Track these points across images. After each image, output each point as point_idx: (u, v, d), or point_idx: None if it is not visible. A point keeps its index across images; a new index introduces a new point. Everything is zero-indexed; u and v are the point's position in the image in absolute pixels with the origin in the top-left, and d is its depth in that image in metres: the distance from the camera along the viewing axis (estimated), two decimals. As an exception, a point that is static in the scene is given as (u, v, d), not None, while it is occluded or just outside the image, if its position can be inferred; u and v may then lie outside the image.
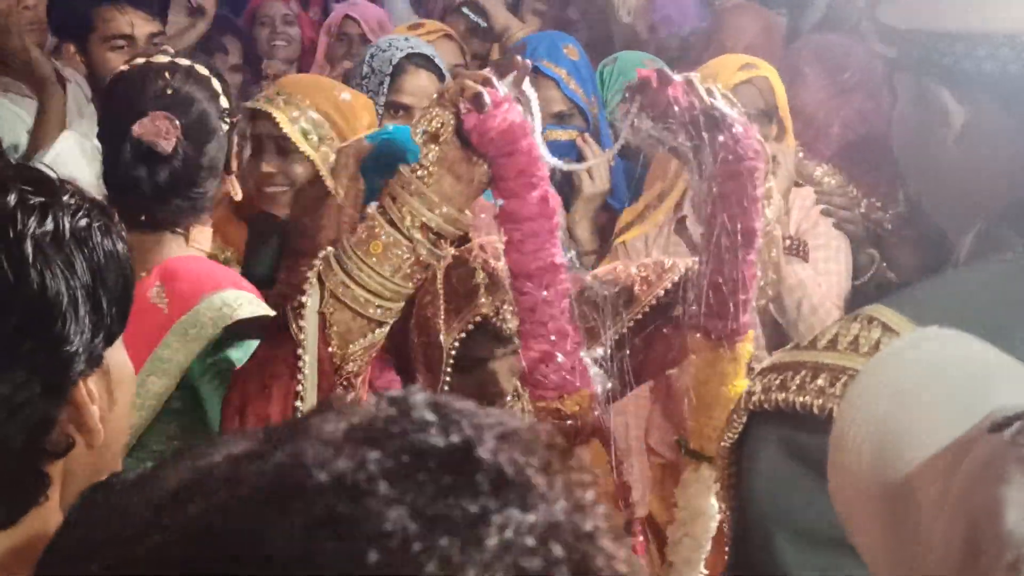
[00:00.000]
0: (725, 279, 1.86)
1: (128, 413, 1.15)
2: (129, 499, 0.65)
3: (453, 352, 1.99)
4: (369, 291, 1.74)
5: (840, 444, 0.92)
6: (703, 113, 1.78)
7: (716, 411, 1.95)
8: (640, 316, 2.01)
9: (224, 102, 2.20)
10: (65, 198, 1.06)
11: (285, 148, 2.62)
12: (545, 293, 1.75)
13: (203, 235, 2.23)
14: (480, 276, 1.99)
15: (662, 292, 2.01)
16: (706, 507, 2.02)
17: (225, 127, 2.19)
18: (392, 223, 1.73)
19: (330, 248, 1.80)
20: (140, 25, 3.23)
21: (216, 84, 2.21)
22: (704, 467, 2.00)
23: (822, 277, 2.92)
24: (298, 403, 1.73)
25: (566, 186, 3.01)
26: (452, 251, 1.96)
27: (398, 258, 1.73)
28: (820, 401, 1.16)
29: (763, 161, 1.84)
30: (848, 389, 0.95)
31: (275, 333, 1.80)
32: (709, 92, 1.81)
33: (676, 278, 2.00)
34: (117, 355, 1.10)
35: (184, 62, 2.21)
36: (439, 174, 1.72)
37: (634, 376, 1.95)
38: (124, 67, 2.24)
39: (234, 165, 2.24)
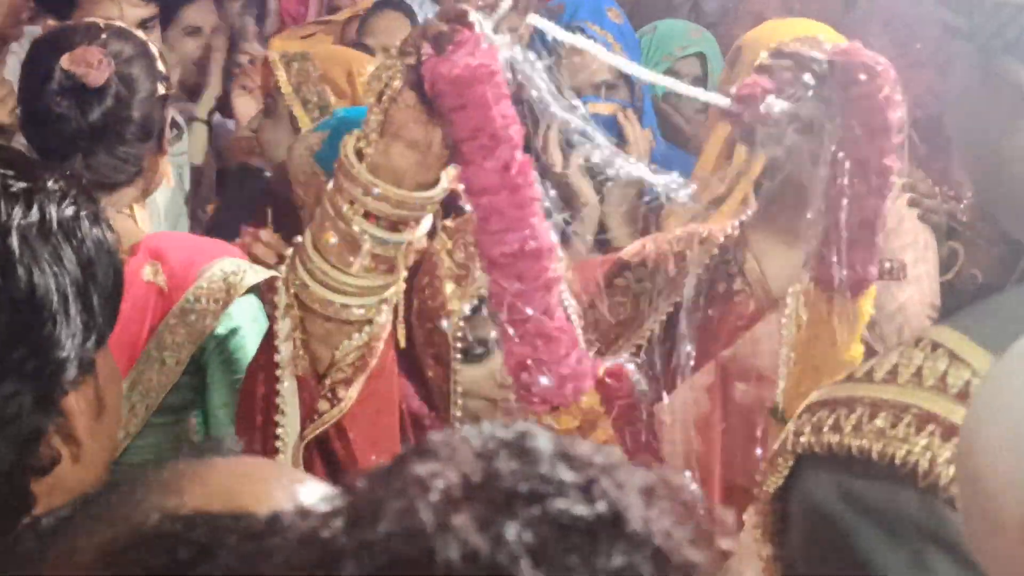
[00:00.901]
0: (852, 222, 1.60)
1: (117, 421, 1.08)
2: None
3: (459, 336, 1.74)
4: (332, 290, 1.48)
5: (978, 488, 0.81)
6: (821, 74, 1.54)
7: (823, 376, 1.63)
8: (680, 297, 1.71)
9: (161, 66, 2.09)
10: (50, 184, 1.00)
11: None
12: (518, 285, 1.42)
13: (143, 216, 2.14)
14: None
15: (701, 268, 1.73)
16: None
17: (161, 90, 2.07)
18: (337, 211, 1.46)
19: (297, 239, 1.55)
20: (130, 10, 3.02)
21: (153, 48, 2.10)
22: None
23: (912, 285, 2.67)
24: (278, 417, 1.52)
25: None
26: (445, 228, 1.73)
27: (352, 249, 1.45)
28: (880, 445, 1.06)
29: (890, 81, 1.59)
30: (969, 414, 0.86)
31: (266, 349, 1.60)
32: (812, 45, 1.60)
33: (715, 249, 1.74)
34: (105, 357, 1.04)
35: (118, 24, 2.14)
36: (383, 144, 1.42)
37: (686, 364, 1.66)
38: None
39: (165, 143, 2.12)
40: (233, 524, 0.61)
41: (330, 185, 1.50)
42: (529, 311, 1.42)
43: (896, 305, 2.60)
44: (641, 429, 1.57)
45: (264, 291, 2.00)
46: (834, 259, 1.62)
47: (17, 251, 0.94)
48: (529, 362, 1.43)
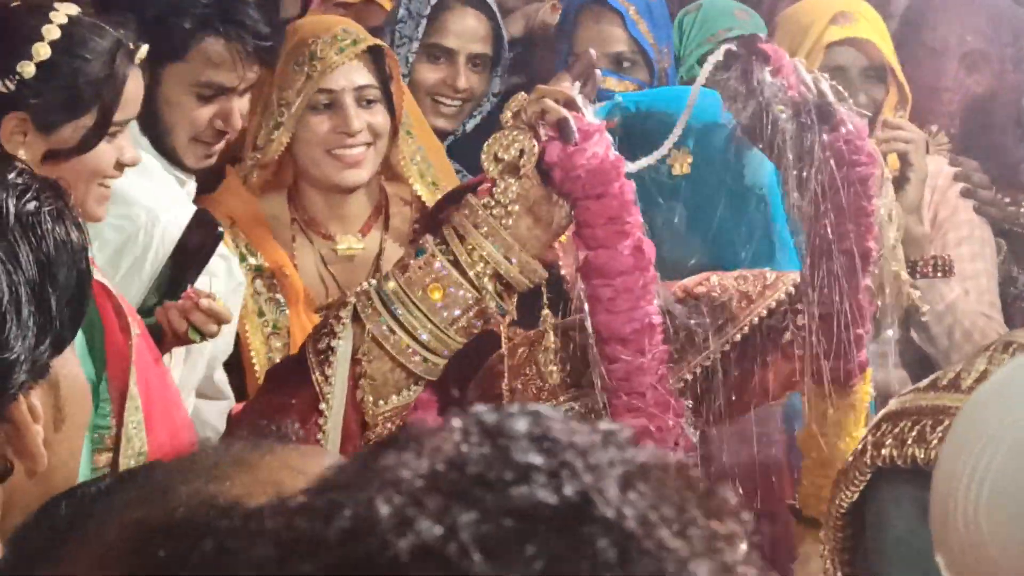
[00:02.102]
0: (837, 311, 1.64)
1: (80, 434, 1.05)
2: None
3: None
4: (418, 342, 1.55)
5: (948, 484, 0.87)
6: (814, 104, 1.59)
7: (834, 470, 1.65)
8: (739, 338, 1.75)
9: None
10: (11, 176, 0.98)
11: (364, 97, 2.35)
12: (642, 359, 1.54)
13: None
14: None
15: (764, 312, 1.75)
16: None
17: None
18: (456, 265, 1.53)
19: (369, 282, 1.60)
20: None
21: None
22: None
23: (969, 281, 2.59)
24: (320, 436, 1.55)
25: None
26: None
27: (460, 307, 1.54)
28: None
29: (877, 167, 1.67)
30: (940, 458, 0.92)
31: (287, 377, 1.60)
32: (816, 80, 1.63)
33: (782, 295, 1.76)
34: (68, 366, 1.01)
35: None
36: (518, 214, 1.52)
37: (727, 410, 1.73)
38: None
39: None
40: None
41: (433, 245, 1.55)
42: (651, 380, 1.55)
43: (944, 304, 2.52)
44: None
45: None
46: (814, 351, 1.66)
47: None
48: (643, 431, 1.52)
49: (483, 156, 1.54)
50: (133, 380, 1.77)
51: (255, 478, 0.65)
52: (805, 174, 1.60)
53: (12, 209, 0.96)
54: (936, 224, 2.65)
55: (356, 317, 1.57)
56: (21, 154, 1.76)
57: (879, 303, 1.74)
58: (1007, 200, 2.71)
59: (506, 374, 1.71)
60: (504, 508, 0.52)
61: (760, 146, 1.66)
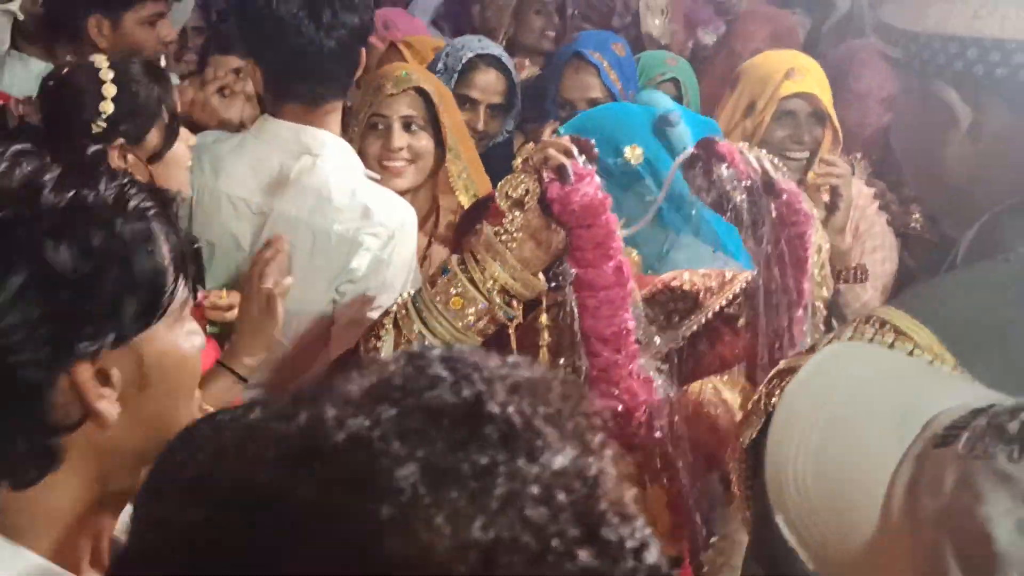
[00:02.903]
0: (778, 336, 1.90)
1: (172, 396, 1.10)
2: (202, 446, 0.69)
3: None
4: (443, 342, 1.82)
5: (778, 461, 0.95)
6: (760, 180, 1.84)
7: None
8: (703, 321, 2.03)
9: (107, 107, 2.24)
10: (113, 182, 1.06)
11: (411, 124, 2.77)
12: (618, 356, 1.81)
13: None
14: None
15: (724, 301, 2.05)
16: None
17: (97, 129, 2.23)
18: (472, 281, 1.81)
19: (406, 294, 1.89)
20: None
21: (107, 90, 2.25)
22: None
23: (880, 280, 3.00)
24: None
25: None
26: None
27: (475, 315, 1.82)
28: None
29: (811, 225, 1.90)
30: (771, 430, 0.98)
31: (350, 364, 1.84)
32: (758, 159, 1.87)
33: (737, 289, 2.04)
34: (164, 339, 1.07)
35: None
36: (522, 240, 1.80)
37: (688, 376, 2.00)
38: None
39: (133, 162, 2.27)
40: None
41: (455, 265, 1.84)
42: (624, 373, 1.82)
43: (860, 303, 2.93)
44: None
45: None
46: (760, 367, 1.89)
47: (68, 225, 0.99)
48: (613, 413, 1.81)
49: (496, 194, 1.82)
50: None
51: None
52: (758, 234, 1.86)
53: (133, 202, 1.03)
54: (857, 235, 3.06)
55: (396, 324, 1.86)
56: (131, 170, 2.07)
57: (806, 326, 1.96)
58: (903, 210, 3.16)
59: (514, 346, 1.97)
60: (417, 407, 0.63)
61: (724, 216, 1.89)
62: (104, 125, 2.22)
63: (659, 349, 1.91)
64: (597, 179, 1.78)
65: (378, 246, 2.45)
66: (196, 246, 2.34)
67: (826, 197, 2.95)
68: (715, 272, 2.09)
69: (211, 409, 1.65)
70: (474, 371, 0.65)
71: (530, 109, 3.44)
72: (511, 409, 0.63)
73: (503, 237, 1.81)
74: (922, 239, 3.16)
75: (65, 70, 2.26)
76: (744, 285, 2.02)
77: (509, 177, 1.83)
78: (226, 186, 2.50)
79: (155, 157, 2.30)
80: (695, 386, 2.05)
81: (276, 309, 2.20)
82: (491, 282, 1.81)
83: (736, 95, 3.12)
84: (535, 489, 0.60)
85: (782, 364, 1.29)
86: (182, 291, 1.10)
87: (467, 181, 2.88)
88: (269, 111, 2.53)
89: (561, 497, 0.61)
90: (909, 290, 1.39)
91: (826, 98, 3.08)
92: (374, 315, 2.32)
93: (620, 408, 1.83)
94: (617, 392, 1.83)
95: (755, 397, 1.29)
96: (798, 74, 3.05)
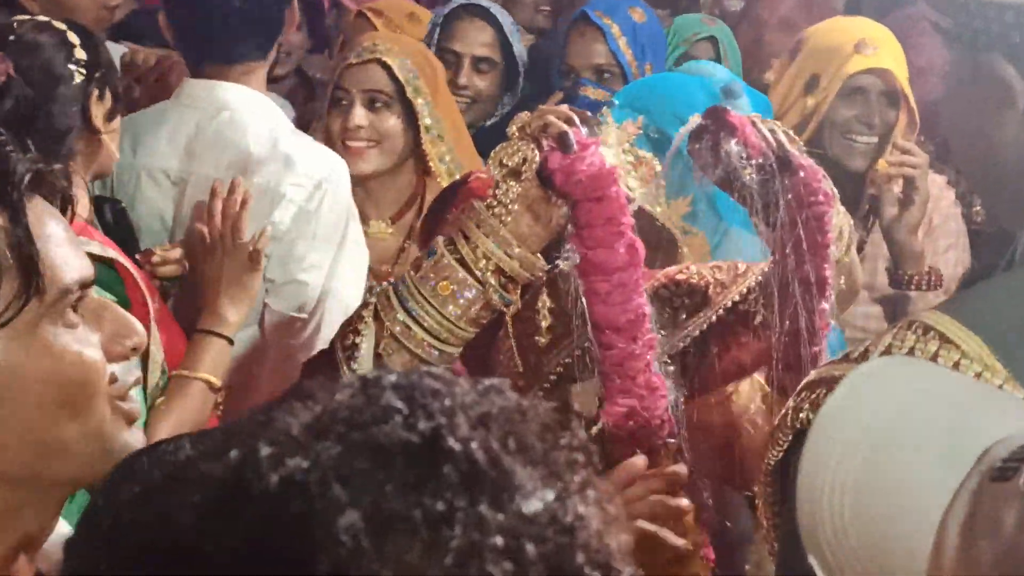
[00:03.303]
0: (797, 330, 1.75)
1: (51, 412, 0.97)
2: (135, 483, 0.65)
3: (552, 377, 1.89)
4: (432, 335, 1.65)
5: (811, 494, 0.89)
6: (775, 155, 1.68)
7: None
8: (714, 319, 1.87)
9: (81, 53, 2.11)
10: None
11: (375, 100, 2.59)
12: (635, 346, 1.65)
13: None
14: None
15: (737, 296, 1.88)
16: None
17: (79, 78, 2.09)
18: (463, 263, 1.65)
19: (386, 283, 1.71)
20: None
21: (72, 36, 2.11)
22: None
23: (952, 284, 2.69)
24: None
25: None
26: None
27: (467, 301, 1.65)
28: None
29: (832, 205, 1.75)
30: (802, 460, 0.91)
31: (321, 369, 1.70)
32: (772, 132, 1.71)
33: (752, 283, 1.88)
34: (22, 342, 0.94)
35: (41, 18, 2.15)
36: (518, 213, 1.64)
37: (701, 383, 1.85)
38: None
39: (100, 123, 2.13)
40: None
41: (442, 246, 1.67)
42: (642, 365, 1.66)
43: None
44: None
45: None
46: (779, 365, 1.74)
47: None
48: (634, 411, 1.65)
49: (490, 161, 1.66)
50: (157, 345, 1.98)
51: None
52: (771, 217, 1.70)
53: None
54: (928, 231, 2.77)
55: (377, 315, 1.66)
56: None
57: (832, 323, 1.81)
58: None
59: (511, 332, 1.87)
60: (364, 443, 0.57)
61: (732, 196, 1.75)
62: (84, 72, 2.09)
63: (664, 352, 1.75)
64: (601, 151, 1.64)
65: (303, 197, 2.32)
66: (120, 206, 2.28)
67: (898, 190, 2.68)
68: (726, 264, 1.94)
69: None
70: (434, 400, 0.59)
71: (533, 83, 3.24)
72: (475, 445, 0.58)
73: (496, 210, 1.64)
74: (984, 235, 2.88)
75: (15, 24, 2.11)
76: (759, 278, 1.86)
77: (504, 144, 1.67)
78: (144, 161, 2.39)
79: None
80: (743, 389, 1.92)
81: (260, 263, 2.12)
82: (484, 261, 1.63)
83: (796, 67, 2.82)
84: (499, 540, 0.55)
85: (813, 374, 1.21)
86: (57, 286, 0.95)
87: (452, 165, 2.67)
88: (191, 73, 2.45)
89: (530, 549, 0.56)
90: (957, 293, 1.27)
91: (902, 75, 2.74)
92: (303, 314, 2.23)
93: (638, 406, 1.67)
94: (635, 387, 1.66)
95: (782, 412, 1.20)
96: (870, 46, 2.73)
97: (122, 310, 1.04)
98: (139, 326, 1.04)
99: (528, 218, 1.64)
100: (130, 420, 1.03)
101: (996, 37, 1.24)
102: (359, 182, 2.56)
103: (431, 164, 2.66)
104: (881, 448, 0.88)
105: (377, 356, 1.65)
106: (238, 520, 0.56)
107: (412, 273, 1.68)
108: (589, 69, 3.07)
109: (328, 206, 2.34)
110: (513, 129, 1.69)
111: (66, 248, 0.98)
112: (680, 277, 1.90)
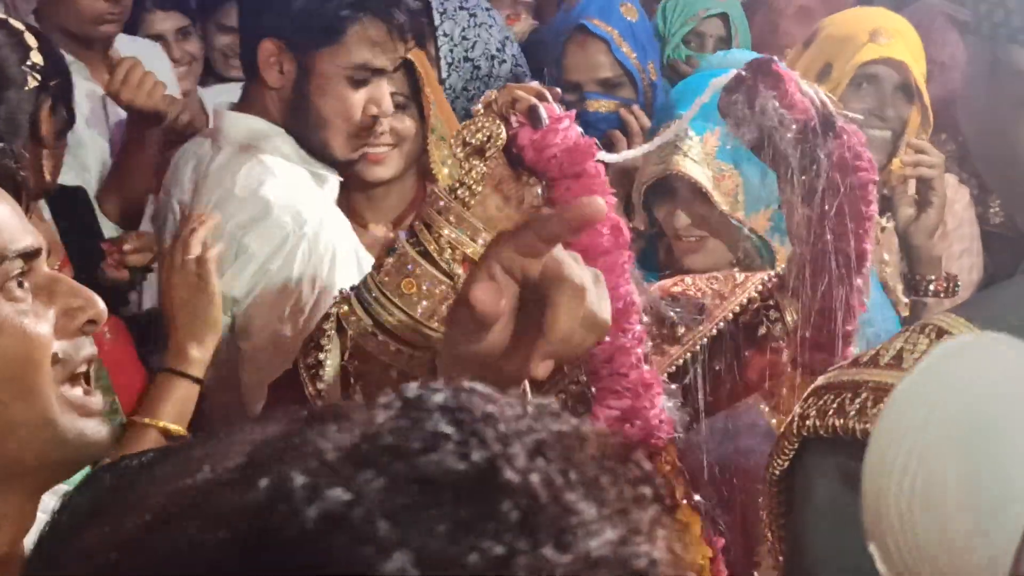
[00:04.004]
0: (831, 308, 1.64)
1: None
2: (110, 507, 0.59)
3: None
4: (401, 340, 1.51)
5: (880, 469, 0.83)
6: (818, 115, 1.58)
7: None
8: (715, 332, 1.77)
9: (36, 57, 2.02)
10: None
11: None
12: (624, 339, 1.46)
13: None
14: None
15: (737, 308, 1.78)
16: None
17: (33, 83, 2.01)
18: (426, 255, 1.51)
19: (344, 287, 1.59)
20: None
21: (30, 38, 2.03)
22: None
23: (966, 291, 2.58)
24: None
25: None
26: None
27: (435, 298, 1.50)
28: None
29: (876, 173, 1.64)
30: (885, 408, 0.86)
31: (286, 391, 1.58)
32: (816, 92, 1.61)
33: (753, 293, 1.79)
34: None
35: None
36: (484, 194, 1.50)
37: (710, 403, 1.73)
38: None
39: (48, 137, 2.05)
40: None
41: (404, 241, 1.54)
42: (632, 360, 1.47)
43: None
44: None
45: None
46: (808, 345, 1.65)
47: None
48: (629, 412, 1.48)
49: (452, 141, 1.53)
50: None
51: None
52: (810, 183, 1.59)
53: None
54: (943, 234, 2.65)
55: (340, 327, 1.54)
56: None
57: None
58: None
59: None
60: (412, 476, 0.52)
61: (762, 158, 1.64)
62: (40, 78, 2.01)
63: (663, 370, 1.65)
64: (576, 126, 1.49)
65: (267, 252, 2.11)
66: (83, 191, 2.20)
67: (912, 191, 2.55)
68: (724, 275, 1.85)
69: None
70: (486, 425, 0.54)
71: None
72: (535, 478, 0.52)
73: (460, 192, 1.50)
74: (1003, 237, 2.76)
75: None
76: (761, 288, 1.78)
77: (467, 122, 1.52)
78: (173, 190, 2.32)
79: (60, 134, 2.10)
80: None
81: (210, 281, 1.96)
82: (449, 251, 1.50)
83: (809, 56, 2.71)
84: None
85: (821, 380, 1.15)
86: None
87: (454, 168, 2.60)
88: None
89: None
90: (972, 295, 1.21)
91: (918, 69, 2.62)
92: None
93: (630, 406, 1.49)
94: (625, 385, 1.49)
95: (788, 421, 1.15)
96: (885, 36, 2.61)
97: (76, 283, 1.01)
98: (97, 298, 1.01)
99: (496, 199, 1.50)
100: (83, 412, 0.99)
101: (1015, 29, 1.15)
102: (365, 187, 2.44)
103: (433, 167, 2.51)
104: (974, 431, 0.81)
105: (344, 371, 1.53)
106: (273, 564, 0.49)
107: (374, 274, 1.55)
108: (594, 83, 2.89)
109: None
110: (479, 107, 1.55)
111: (6, 219, 0.96)
112: (676, 290, 1.81)
